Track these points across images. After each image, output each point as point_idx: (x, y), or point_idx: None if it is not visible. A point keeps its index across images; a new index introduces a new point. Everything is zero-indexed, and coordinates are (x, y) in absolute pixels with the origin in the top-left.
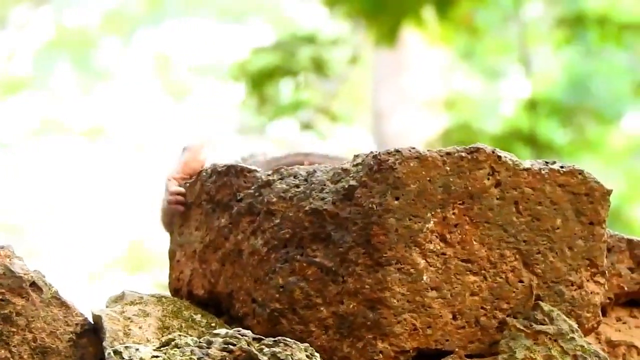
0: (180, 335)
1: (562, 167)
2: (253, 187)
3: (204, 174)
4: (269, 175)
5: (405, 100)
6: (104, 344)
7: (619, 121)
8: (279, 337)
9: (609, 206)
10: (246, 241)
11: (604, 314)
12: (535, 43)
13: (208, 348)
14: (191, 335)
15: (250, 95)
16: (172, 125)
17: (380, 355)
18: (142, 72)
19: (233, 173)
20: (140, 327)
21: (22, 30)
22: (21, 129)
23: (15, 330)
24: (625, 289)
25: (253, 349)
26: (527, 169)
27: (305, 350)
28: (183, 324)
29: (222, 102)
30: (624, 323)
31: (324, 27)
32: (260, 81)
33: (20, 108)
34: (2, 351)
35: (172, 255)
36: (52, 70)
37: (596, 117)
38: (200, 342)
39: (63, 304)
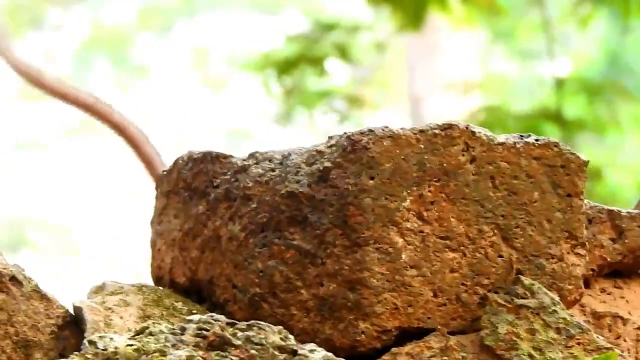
0: (154, 323)
1: (537, 140)
2: (229, 173)
3: (180, 161)
4: (244, 160)
5: (442, 84)
6: (85, 335)
7: None
8: (253, 321)
9: (586, 177)
10: (224, 227)
11: (588, 286)
12: (568, 22)
13: (182, 334)
14: (172, 323)
15: (276, 84)
16: (213, 118)
17: (363, 335)
18: (180, 66)
19: (209, 159)
20: (121, 317)
21: (58, 31)
22: (61, 128)
23: None
24: (608, 259)
25: (227, 334)
26: (501, 144)
27: (280, 333)
28: (164, 312)
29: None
30: (609, 294)
31: (349, 13)
32: (285, 70)
33: (60, 108)
34: None
35: (153, 244)
36: (90, 69)
37: (625, 94)
38: (174, 328)
39: (43, 297)
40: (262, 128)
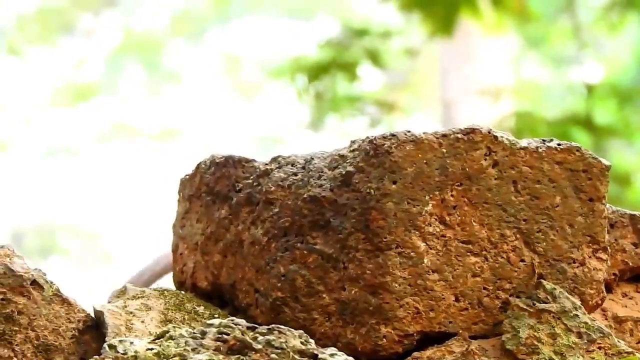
0: (174, 326)
1: (559, 144)
2: (251, 177)
3: (203, 165)
4: (266, 164)
5: (473, 89)
6: (106, 339)
7: None
8: (273, 325)
9: (608, 182)
10: (246, 231)
11: (610, 290)
12: (600, 27)
13: (202, 338)
14: (193, 327)
15: (306, 90)
16: (244, 125)
17: (384, 340)
18: (212, 72)
19: (231, 164)
20: (142, 321)
21: (90, 36)
22: (92, 134)
23: (17, 329)
24: (630, 264)
25: (247, 338)
26: (524, 148)
27: (300, 337)
28: (186, 317)
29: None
30: (630, 298)
31: (380, 19)
32: (316, 75)
33: (91, 114)
34: (5, 350)
35: (175, 248)
36: (122, 74)
37: None
38: (194, 332)
39: (65, 301)
40: (293, 134)
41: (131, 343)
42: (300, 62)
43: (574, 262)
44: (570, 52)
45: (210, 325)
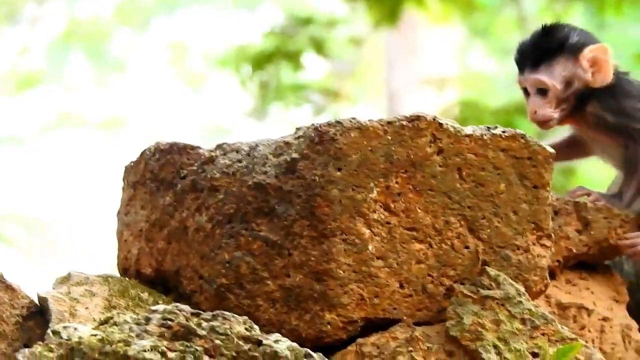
0: (118, 313)
1: (504, 131)
2: (196, 164)
3: (148, 152)
4: (211, 151)
5: (419, 79)
6: (50, 325)
7: None
8: (217, 311)
9: (553, 169)
10: (191, 218)
11: (554, 277)
12: (544, 18)
13: (146, 324)
14: (137, 314)
15: (251, 79)
16: (190, 114)
17: (329, 326)
18: (158, 62)
19: (176, 150)
20: (86, 308)
21: (34, 25)
22: (37, 123)
23: None
24: (574, 251)
25: (191, 324)
26: (469, 135)
27: (244, 323)
28: (130, 303)
29: (236, 88)
30: (574, 285)
31: (325, 8)
32: (261, 64)
33: (35, 102)
34: None
35: (119, 235)
36: (66, 63)
37: None
38: (138, 319)
39: (8, 287)
40: (238, 123)
41: (75, 329)
42: (244, 52)
43: (518, 249)
44: (516, 42)
45: (155, 311)
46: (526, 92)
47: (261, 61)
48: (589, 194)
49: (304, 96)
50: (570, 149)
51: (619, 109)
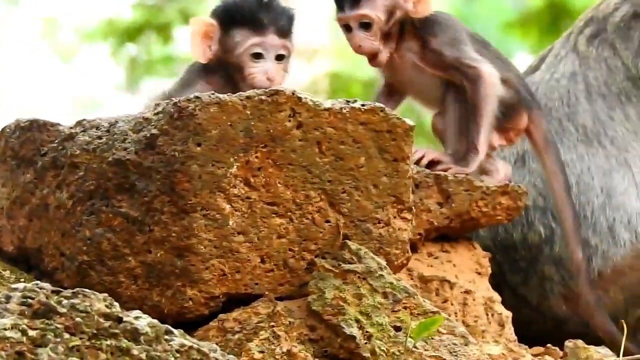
0: None
1: (363, 105)
2: (56, 141)
3: (8, 130)
4: (71, 128)
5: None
6: None
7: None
8: (78, 289)
9: (413, 142)
10: (52, 195)
11: (415, 250)
12: None
13: (7, 303)
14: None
15: (121, 52)
16: (62, 88)
17: (190, 302)
18: (29, 36)
19: (36, 127)
20: None
21: None
22: None
23: None
24: (435, 224)
25: (52, 302)
26: (328, 109)
27: (105, 300)
28: None
29: (108, 61)
30: (436, 258)
31: None
32: (130, 37)
33: None
34: None
35: None
36: None
37: None
38: None
39: None
40: (111, 97)
41: None
42: (113, 25)
43: (379, 223)
44: None
45: (15, 289)
46: (347, 28)
47: (131, 34)
48: (433, 160)
49: (175, 69)
50: (388, 98)
51: (451, 43)
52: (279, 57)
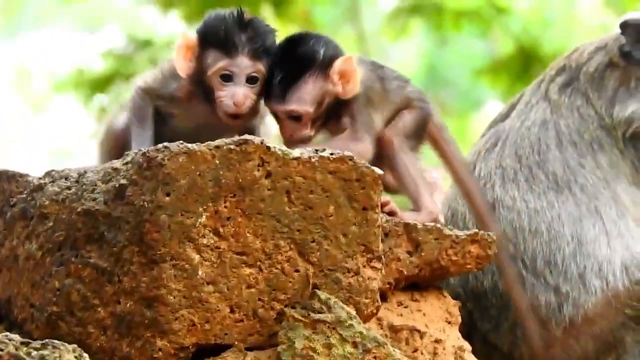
0: None
1: (332, 154)
2: (26, 192)
3: None
4: (40, 178)
5: None
6: None
7: (479, 108)
8: (47, 340)
9: (382, 191)
10: (21, 246)
11: (385, 299)
12: (387, 35)
13: None
14: None
15: (91, 102)
16: (35, 139)
17: (160, 352)
18: (1, 86)
19: (5, 178)
20: None
21: None
22: None
23: None
24: (405, 273)
25: (21, 353)
26: (296, 158)
27: (74, 352)
28: None
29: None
30: (406, 307)
31: (164, 30)
32: (100, 87)
33: None
34: None
35: None
36: None
37: (441, 107)
38: None
39: None
40: (82, 146)
41: None
42: (84, 75)
43: (349, 272)
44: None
45: None
46: (277, 116)
47: (101, 84)
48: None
49: None
50: None
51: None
52: (251, 80)
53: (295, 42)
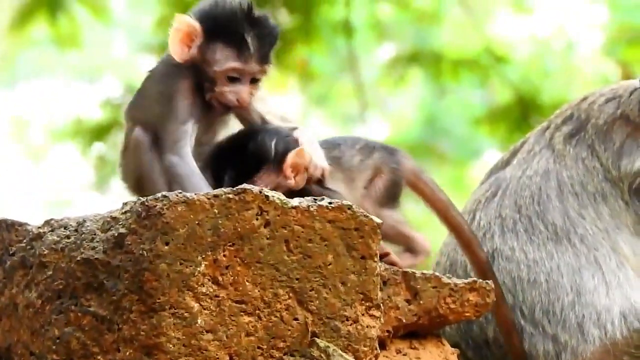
0: None
1: (330, 203)
2: (25, 241)
3: None
4: (39, 227)
5: None
6: None
7: (478, 157)
8: None
9: (380, 239)
10: (21, 294)
11: (384, 347)
12: (385, 85)
13: None
14: None
15: (89, 152)
16: (33, 189)
17: None
18: None
19: (4, 227)
20: None
21: None
22: None
23: None
24: (404, 321)
25: None
26: (295, 207)
27: None
28: None
29: (78, 161)
30: (405, 355)
31: None
32: (98, 136)
33: None
34: None
35: None
36: None
37: (440, 157)
38: None
39: None
40: (80, 196)
41: None
42: (81, 124)
43: (347, 320)
44: (355, 110)
45: None
46: None
47: (99, 133)
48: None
49: None
50: None
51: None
52: (254, 80)
53: (246, 138)
